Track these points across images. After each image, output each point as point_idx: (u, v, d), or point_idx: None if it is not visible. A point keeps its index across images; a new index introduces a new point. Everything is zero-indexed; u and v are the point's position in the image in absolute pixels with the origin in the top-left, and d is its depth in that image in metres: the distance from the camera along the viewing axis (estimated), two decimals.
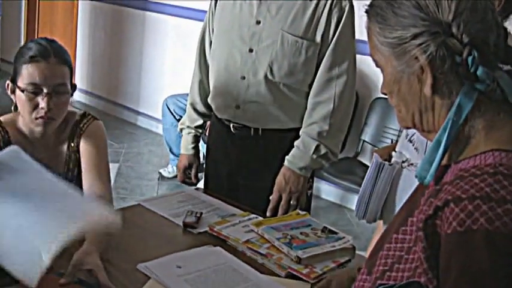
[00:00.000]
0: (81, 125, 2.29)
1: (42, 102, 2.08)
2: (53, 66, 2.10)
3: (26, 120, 2.15)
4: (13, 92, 2.15)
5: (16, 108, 2.17)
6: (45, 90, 2.08)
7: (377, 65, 1.19)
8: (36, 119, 2.10)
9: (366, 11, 1.18)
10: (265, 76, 2.48)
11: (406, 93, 1.14)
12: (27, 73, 2.08)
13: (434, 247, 1.05)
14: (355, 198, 5.34)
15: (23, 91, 2.08)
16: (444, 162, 1.14)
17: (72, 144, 2.27)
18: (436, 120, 1.14)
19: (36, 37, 8.37)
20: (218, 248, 2.10)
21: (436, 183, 1.13)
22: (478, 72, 1.06)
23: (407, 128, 1.22)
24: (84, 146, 2.26)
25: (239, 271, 1.96)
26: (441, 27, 1.06)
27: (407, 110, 1.16)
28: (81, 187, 2.25)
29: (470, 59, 1.05)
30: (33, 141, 2.20)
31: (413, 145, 2.14)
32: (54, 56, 2.10)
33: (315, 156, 2.48)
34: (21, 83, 2.09)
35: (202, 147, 2.93)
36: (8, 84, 2.16)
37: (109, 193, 2.23)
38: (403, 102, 1.16)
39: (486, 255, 0.96)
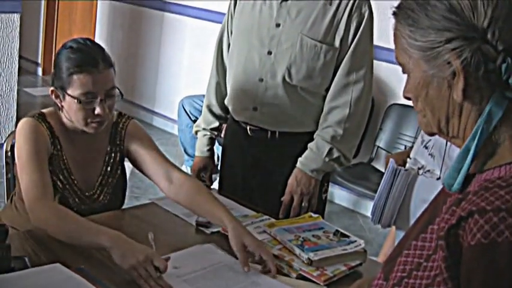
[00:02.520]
0: (121, 125, 2.37)
1: (98, 109, 2.13)
2: (103, 72, 2.14)
3: (77, 125, 2.19)
4: (58, 97, 2.19)
5: (58, 108, 2.22)
6: (99, 97, 2.13)
7: (403, 69, 1.17)
8: (92, 122, 2.16)
9: (394, 13, 1.16)
10: (283, 79, 2.49)
11: (434, 98, 1.12)
12: (80, 83, 2.11)
13: (455, 257, 1.04)
14: (368, 203, 5.35)
15: (77, 100, 2.11)
16: (471, 171, 1.12)
17: (117, 143, 2.35)
18: (462, 127, 1.12)
19: (54, 36, 8.47)
20: (209, 245, 2.12)
21: (459, 192, 1.12)
22: (510, 81, 1.04)
23: (432, 134, 1.20)
24: (136, 148, 2.35)
25: (236, 269, 1.96)
26: (477, 32, 1.04)
27: (434, 115, 1.14)
28: (117, 185, 2.38)
29: (504, 66, 1.04)
30: (74, 136, 2.26)
31: (428, 151, 2.14)
32: (103, 62, 2.13)
33: (327, 159, 2.49)
34: (73, 92, 2.12)
35: (217, 149, 2.95)
36: (52, 91, 2.19)
37: (179, 169, 2.32)
38: (429, 107, 1.14)
39: (510, 268, 0.96)
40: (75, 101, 2.12)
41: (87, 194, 2.29)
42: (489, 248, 0.98)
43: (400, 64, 1.18)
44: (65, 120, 2.24)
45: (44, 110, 2.26)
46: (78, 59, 2.11)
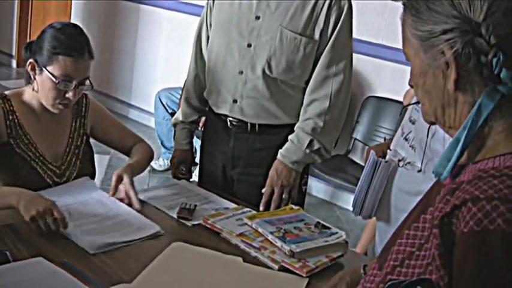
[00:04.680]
0: (84, 104, 2.52)
1: (70, 93, 2.26)
2: (86, 62, 2.28)
3: (44, 102, 2.30)
4: (33, 70, 2.28)
5: (28, 82, 2.33)
6: (74, 83, 2.26)
7: (407, 58, 1.21)
8: (59, 104, 2.28)
9: (403, 3, 1.20)
10: (263, 71, 2.49)
11: (430, 86, 1.16)
12: (63, 64, 2.22)
13: (448, 245, 1.06)
14: (346, 195, 5.38)
15: (55, 79, 2.22)
16: (463, 161, 1.15)
17: (78, 121, 2.50)
18: (457, 117, 1.15)
19: (29, 27, 8.37)
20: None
21: (452, 182, 1.14)
22: (502, 75, 1.07)
23: (431, 123, 1.23)
24: (96, 125, 2.56)
25: (103, 201, 2.33)
26: (471, 26, 1.08)
27: (430, 104, 1.18)
28: (84, 155, 2.50)
29: (495, 60, 1.07)
30: (37, 113, 2.36)
31: (408, 143, 2.16)
32: (88, 52, 2.28)
33: (308, 151, 2.50)
34: (53, 70, 2.23)
35: (196, 142, 2.94)
36: (31, 63, 2.28)
37: (135, 135, 2.77)
38: (427, 96, 1.18)
39: (501, 255, 0.98)
40: (52, 79, 2.22)
41: (56, 165, 2.39)
42: (481, 235, 1.00)
43: (404, 53, 1.22)
44: (28, 98, 2.34)
45: (6, 92, 2.36)
46: (69, 42, 2.23)
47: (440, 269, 1.07)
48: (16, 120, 2.30)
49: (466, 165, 1.16)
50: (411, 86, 1.23)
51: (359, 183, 2.26)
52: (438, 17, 1.11)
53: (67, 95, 2.26)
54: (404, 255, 1.17)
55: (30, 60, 2.28)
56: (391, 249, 1.22)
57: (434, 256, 1.08)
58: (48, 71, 2.23)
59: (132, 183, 2.36)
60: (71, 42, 2.24)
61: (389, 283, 1.14)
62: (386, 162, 2.20)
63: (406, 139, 2.19)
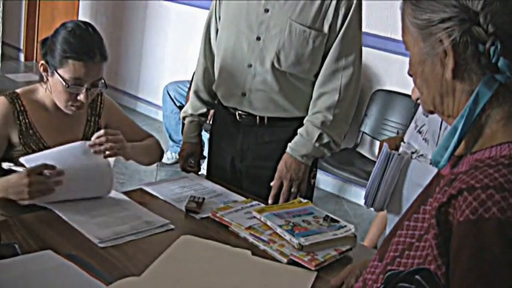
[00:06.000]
0: (98, 102, 2.50)
1: (81, 96, 2.24)
2: (97, 65, 2.23)
3: (58, 103, 2.28)
4: (45, 71, 2.26)
5: (42, 80, 2.31)
6: (86, 85, 2.23)
7: (406, 47, 1.23)
8: (71, 106, 2.26)
9: None
10: (272, 64, 2.48)
11: (428, 75, 1.17)
12: (73, 69, 2.19)
13: (445, 235, 1.07)
14: (354, 189, 5.37)
15: (65, 83, 2.20)
16: (461, 151, 1.16)
17: (93, 120, 2.47)
18: (455, 106, 1.16)
19: (37, 21, 8.38)
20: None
21: (451, 173, 1.15)
22: (500, 64, 1.08)
23: (430, 112, 1.24)
24: (110, 124, 2.52)
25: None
26: (469, 15, 1.09)
27: (429, 92, 1.19)
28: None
29: (492, 49, 1.08)
30: (51, 111, 2.34)
31: (422, 136, 2.16)
32: (100, 55, 2.21)
33: (317, 145, 2.49)
34: (64, 74, 2.20)
35: (204, 135, 2.95)
36: (42, 64, 2.26)
37: (147, 132, 2.70)
38: (425, 85, 1.19)
39: (497, 243, 0.98)
40: (63, 82, 2.19)
41: None
42: (477, 224, 1.01)
43: (403, 42, 1.24)
44: (42, 96, 2.33)
45: (18, 90, 2.33)
46: (78, 46, 2.19)
47: (437, 259, 1.08)
48: (26, 120, 2.27)
49: (464, 155, 1.17)
50: (410, 75, 1.24)
51: (371, 176, 2.26)
52: (437, 5, 1.12)
53: (79, 98, 2.23)
54: (405, 246, 1.19)
55: (42, 62, 2.26)
56: (392, 240, 1.23)
57: (432, 246, 1.09)
58: (59, 74, 2.20)
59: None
60: (81, 45, 2.19)
61: (388, 273, 1.14)
62: (399, 155, 2.20)
63: (419, 132, 2.18)
